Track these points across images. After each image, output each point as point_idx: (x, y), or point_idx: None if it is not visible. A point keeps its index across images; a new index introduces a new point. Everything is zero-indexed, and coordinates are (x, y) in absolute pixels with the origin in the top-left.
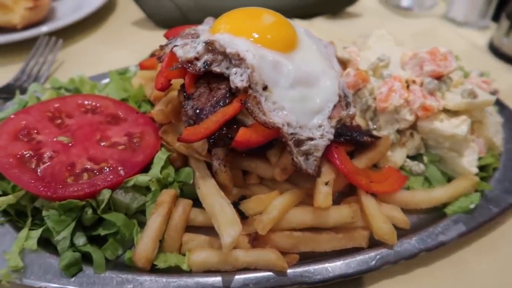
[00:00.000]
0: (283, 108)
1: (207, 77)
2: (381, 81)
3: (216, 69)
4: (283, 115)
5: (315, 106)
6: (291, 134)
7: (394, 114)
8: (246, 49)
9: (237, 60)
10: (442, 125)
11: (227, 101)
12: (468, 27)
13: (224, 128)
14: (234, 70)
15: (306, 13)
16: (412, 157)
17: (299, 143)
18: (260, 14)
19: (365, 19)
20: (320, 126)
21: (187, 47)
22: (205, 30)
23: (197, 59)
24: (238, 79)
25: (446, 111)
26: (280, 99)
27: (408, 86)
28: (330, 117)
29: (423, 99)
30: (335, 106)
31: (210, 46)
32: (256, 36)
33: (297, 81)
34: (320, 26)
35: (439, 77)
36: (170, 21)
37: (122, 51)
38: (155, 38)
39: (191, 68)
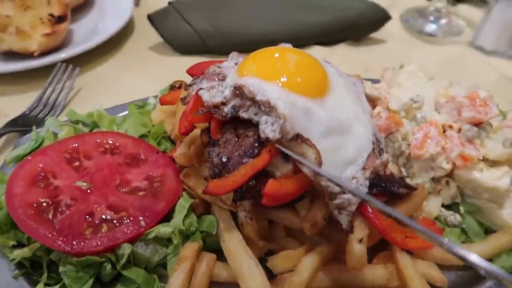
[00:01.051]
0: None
1: (234, 122)
2: (415, 124)
3: (244, 115)
4: None
5: (348, 156)
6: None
7: (429, 162)
8: (277, 97)
9: (267, 107)
10: (482, 176)
11: (255, 151)
12: (497, 56)
13: (253, 181)
14: (264, 118)
15: (328, 40)
16: (447, 206)
17: (331, 196)
18: (289, 56)
19: (389, 46)
20: (353, 178)
21: (214, 91)
22: (231, 69)
23: (224, 104)
24: (269, 129)
25: (485, 159)
26: None
27: (444, 131)
28: (364, 168)
29: (462, 147)
30: (369, 155)
31: (238, 91)
32: (286, 80)
33: (329, 129)
34: (342, 53)
35: (478, 124)
36: (189, 47)
37: (139, 77)
38: (174, 64)
39: (217, 114)
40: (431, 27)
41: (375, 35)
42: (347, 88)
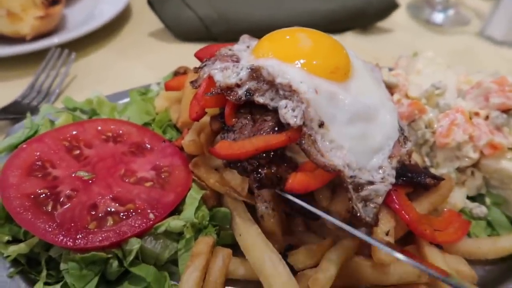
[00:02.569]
0: (342, 148)
1: (250, 107)
2: (438, 112)
3: (259, 99)
4: (342, 155)
5: (375, 145)
6: (350, 177)
7: (455, 151)
8: (300, 80)
9: (287, 91)
10: (511, 165)
11: None
12: (507, 47)
13: (274, 167)
14: (283, 102)
15: (335, 28)
16: (472, 198)
17: (358, 187)
18: (310, 36)
19: (396, 35)
20: (380, 167)
21: (228, 72)
22: (243, 51)
23: (238, 86)
24: (290, 115)
25: None
26: (338, 137)
27: (470, 118)
28: (390, 157)
29: (491, 135)
30: (394, 144)
31: (255, 73)
32: (308, 62)
33: (356, 115)
34: (351, 41)
35: (506, 111)
36: (191, 34)
37: (139, 65)
38: (175, 51)
39: (230, 96)
40: (438, 17)
41: (382, 24)
42: (368, 73)
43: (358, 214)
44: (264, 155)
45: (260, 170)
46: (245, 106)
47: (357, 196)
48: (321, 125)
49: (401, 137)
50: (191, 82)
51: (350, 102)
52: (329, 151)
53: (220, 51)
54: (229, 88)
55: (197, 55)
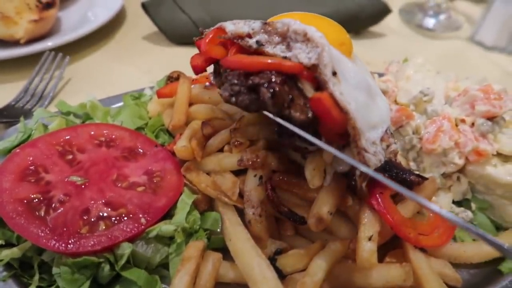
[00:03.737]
0: (349, 104)
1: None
2: (425, 118)
3: (269, 50)
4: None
5: (373, 120)
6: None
7: (441, 157)
8: (315, 30)
9: (301, 41)
10: (496, 171)
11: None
12: (497, 52)
13: (287, 88)
14: (298, 45)
15: None
16: (457, 202)
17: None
18: (318, 16)
19: (388, 39)
20: (373, 143)
21: (240, 24)
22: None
23: (249, 36)
24: (303, 55)
25: (498, 154)
26: (347, 93)
27: (456, 125)
28: (382, 139)
29: (476, 142)
30: (386, 130)
31: (268, 27)
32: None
33: (361, 85)
34: None
35: (491, 118)
36: (185, 37)
37: (133, 69)
38: (168, 55)
39: (241, 43)
40: (430, 22)
41: (374, 28)
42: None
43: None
44: (277, 73)
45: (273, 84)
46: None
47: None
48: (334, 73)
49: (389, 130)
50: (200, 33)
51: (355, 72)
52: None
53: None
54: (240, 37)
55: (198, 44)
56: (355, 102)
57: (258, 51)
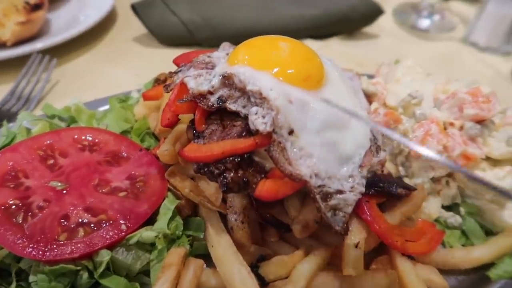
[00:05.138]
0: (311, 156)
1: (220, 113)
2: (414, 121)
3: (232, 106)
4: (311, 164)
5: (345, 153)
6: (319, 186)
7: (430, 161)
8: (270, 88)
9: (258, 99)
10: (485, 175)
11: None
12: (490, 53)
13: (240, 171)
14: (254, 109)
15: (320, 33)
16: (447, 207)
17: (326, 196)
18: (284, 44)
19: (382, 40)
20: (350, 176)
21: (201, 79)
22: (221, 59)
23: (210, 93)
24: (259, 121)
25: (487, 158)
26: (307, 145)
27: (445, 129)
28: (361, 166)
29: (464, 146)
30: (366, 153)
31: (227, 80)
32: (280, 70)
33: (326, 123)
34: (335, 47)
35: (480, 121)
36: (175, 39)
37: (122, 71)
38: (159, 57)
39: (203, 103)
40: (424, 23)
41: (367, 29)
42: (343, 82)
43: (328, 222)
44: (230, 159)
45: (226, 174)
46: (215, 113)
47: (326, 205)
48: (290, 132)
49: (373, 146)
50: (164, 86)
51: (321, 110)
52: (298, 159)
53: (198, 58)
54: (202, 95)
55: (176, 62)
56: (318, 148)
57: (221, 107)
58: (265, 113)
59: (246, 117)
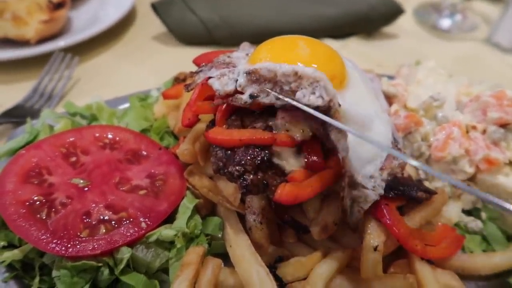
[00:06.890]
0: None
1: (241, 114)
2: (435, 124)
3: (265, 100)
4: None
5: (367, 155)
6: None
7: (451, 165)
8: (303, 66)
9: (293, 82)
10: (508, 180)
11: None
12: None
13: (260, 173)
14: (299, 93)
15: (340, 33)
16: (467, 212)
17: (353, 184)
18: (306, 44)
19: (402, 41)
20: (371, 177)
21: (225, 79)
22: (241, 59)
23: (238, 92)
24: (313, 99)
25: (511, 163)
26: None
27: (467, 132)
28: (381, 168)
29: (487, 150)
30: (387, 156)
31: (254, 76)
32: None
33: (352, 121)
34: (354, 47)
35: (504, 125)
36: (194, 38)
37: (141, 69)
38: (177, 55)
39: (234, 102)
40: (445, 23)
41: (387, 29)
42: (365, 83)
43: (345, 209)
44: (250, 161)
45: (246, 176)
46: (236, 114)
47: (349, 192)
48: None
49: (395, 144)
50: (185, 86)
51: (345, 110)
52: None
53: (218, 58)
54: (229, 95)
55: (196, 62)
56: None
57: (254, 104)
58: (312, 89)
59: (265, 117)
